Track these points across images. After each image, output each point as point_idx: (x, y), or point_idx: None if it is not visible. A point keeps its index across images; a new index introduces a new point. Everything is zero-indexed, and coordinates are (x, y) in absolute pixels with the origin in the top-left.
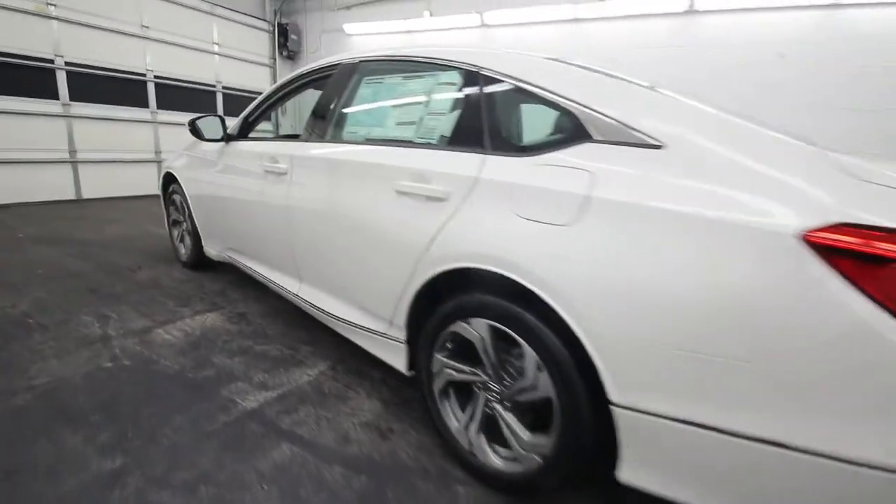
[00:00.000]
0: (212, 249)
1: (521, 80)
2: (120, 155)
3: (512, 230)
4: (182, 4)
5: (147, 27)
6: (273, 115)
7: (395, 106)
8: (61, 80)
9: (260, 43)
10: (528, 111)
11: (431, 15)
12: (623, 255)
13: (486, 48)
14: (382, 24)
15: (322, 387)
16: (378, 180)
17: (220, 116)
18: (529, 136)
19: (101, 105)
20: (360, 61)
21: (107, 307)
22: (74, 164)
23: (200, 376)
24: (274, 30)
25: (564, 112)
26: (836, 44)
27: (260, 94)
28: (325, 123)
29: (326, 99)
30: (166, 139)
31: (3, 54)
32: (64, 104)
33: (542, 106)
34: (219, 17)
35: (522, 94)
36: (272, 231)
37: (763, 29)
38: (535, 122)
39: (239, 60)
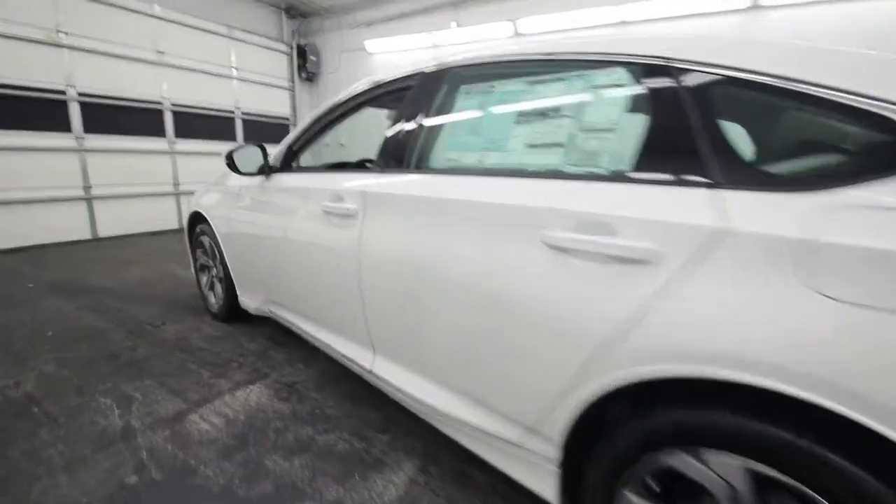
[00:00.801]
0: (249, 302)
1: (758, 74)
2: (137, 189)
3: (812, 319)
4: (199, 29)
5: (163, 53)
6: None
7: (518, 122)
8: (74, 111)
9: (279, 65)
10: (758, 121)
11: (459, 26)
12: None
13: (662, 32)
14: (406, 38)
15: None
16: (512, 228)
17: (260, 146)
18: (796, 159)
19: (116, 136)
20: (454, 67)
21: (128, 382)
22: (89, 200)
23: (255, 494)
24: (292, 51)
25: (868, 118)
26: None
27: (279, 118)
28: (409, 150)
29: (407, 118)
30: (185, 170)
31: (12, 87)
32: (77, 137)
33: (802, 111)
34: (236, 40)
35: (764, 95)
36: (334, 287)
37: (843, 21)
38: (784, 137)
39: (258, 84)
